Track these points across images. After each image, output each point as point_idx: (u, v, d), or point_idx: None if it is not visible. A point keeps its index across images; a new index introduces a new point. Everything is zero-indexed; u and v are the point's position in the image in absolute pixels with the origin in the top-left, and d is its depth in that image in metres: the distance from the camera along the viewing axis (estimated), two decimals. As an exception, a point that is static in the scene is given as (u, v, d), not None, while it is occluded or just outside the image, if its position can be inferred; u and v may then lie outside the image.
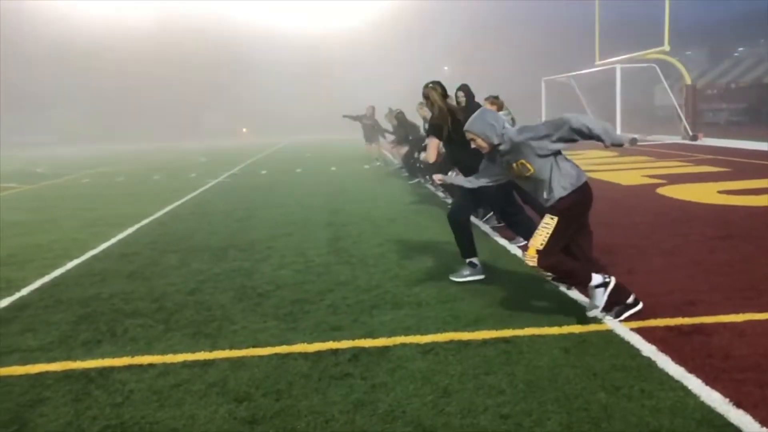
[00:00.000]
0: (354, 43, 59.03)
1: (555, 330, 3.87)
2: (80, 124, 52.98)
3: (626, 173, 12.32)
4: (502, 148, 3.94)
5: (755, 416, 2.74)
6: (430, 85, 5.12)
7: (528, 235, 4.53)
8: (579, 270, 3.93)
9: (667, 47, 21.33)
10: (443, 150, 5.49)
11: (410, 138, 12.74)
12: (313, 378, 3.38)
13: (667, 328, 3.83)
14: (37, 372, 3.65)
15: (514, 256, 5.87)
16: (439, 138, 5.08)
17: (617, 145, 3.80)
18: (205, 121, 56.02)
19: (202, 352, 3.84)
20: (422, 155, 10.85)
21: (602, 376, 3.20)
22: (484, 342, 3.75)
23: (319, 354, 3.71)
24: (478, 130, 3.97)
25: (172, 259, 6.48)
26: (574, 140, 3.78)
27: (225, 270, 5.89)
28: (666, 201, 8.74)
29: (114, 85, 54.61)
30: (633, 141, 20.66)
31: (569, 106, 29.81)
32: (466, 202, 5.07)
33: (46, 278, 5.88)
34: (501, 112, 6.40)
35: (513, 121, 6.32)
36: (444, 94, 5.09)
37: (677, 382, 3.10)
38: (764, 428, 2.65)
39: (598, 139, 3.74)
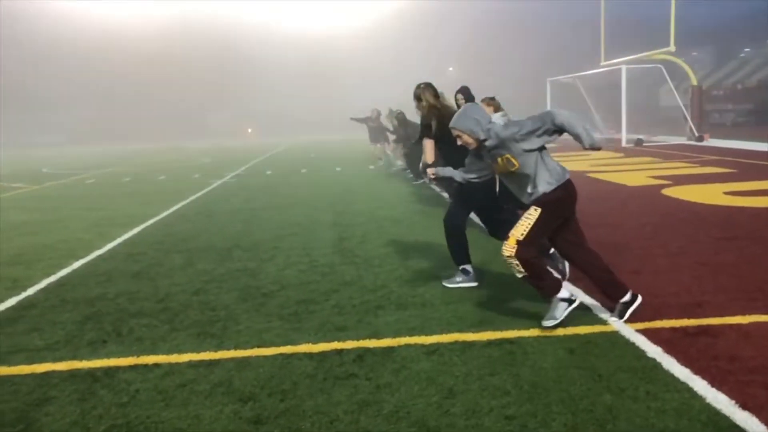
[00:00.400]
0: (359, 44, 59.09)
1: (560, 331, 3.86)
2: (87, 124, 53.19)
3: (632, 174, 12.29)
4: (488, 143, 3.89)
5: (761, 418, 2.72)
6: (422, 85, 5.21)
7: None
8: (551, 278, 3.90)
9: (672, 48, 21.26)
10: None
11: (413, 141, 12.76)
12: (317, 378, 3.39)
13: (673, 329, 3.82)
14: (43, 371, 3.67)
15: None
16: (431, 137, 5.09)
17: (595, 148, 3.75)
18: (211, 122, 56.17)
19: (207, 352, 3.85)
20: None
21: (607, 378, 3.20)
22: (489, 343, 3.74)
23: (323, 354, 3.72)
24: (464, 126, 3.93)
25: (177, 259, 6.50)
26: (559, 133, 3.78)
27: (230, 270, 5.90)
28: (672, 202, 8.72)
29: (121, 86, 54.83)
30: (639, 142, 20.60)
31: (575, 107, 29.76)
32: (459, 208, 5.04)
33: (52, 278, 5.91)
34: (498, 113, 6.37)
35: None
36: (435, 95, 5.14)
37: (683, 383, 3.09)
38: (770, 430, 2.64)
39: (577, 138, 3.73)
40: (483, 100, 7.52)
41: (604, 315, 4.08)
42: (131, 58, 54.38)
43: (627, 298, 4.01)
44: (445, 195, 10.14)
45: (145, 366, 3.67)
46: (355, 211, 9.32)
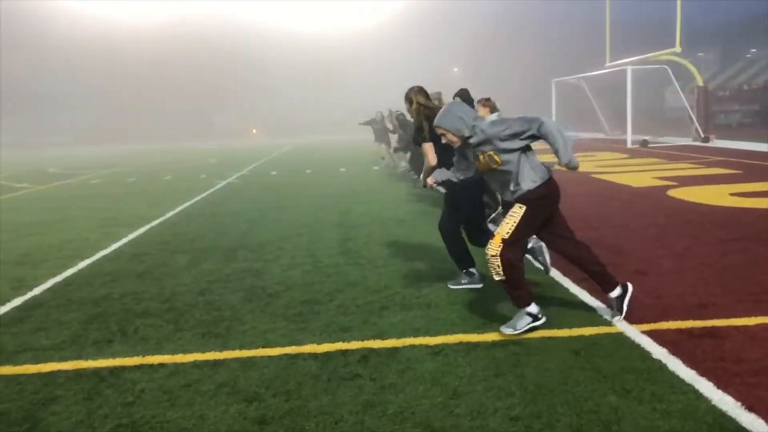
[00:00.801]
0: (364, 45, 59.15)
1: (565, 332, 3.85)
2: (93, 125, 53.40)
3: (637, 175, 12.25)
4: (472, 140, 3.84)
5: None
6: (415, 89, 5.22)
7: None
8: (527, 289, 3.86)
9: (678, 48, 21.20)
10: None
11: (408, 145, 12.82)
12: (322, 379, 3.39)
13: (678, 330, 3.80)
14: (50, 371, 3.68)
15: (524, 258, 5.84)
16: (427, 140, 5.08)
17: (570, 168, 3.72)
18: (217, 123, 56.31)
19: (212, 352, 3.86)
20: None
21: (612, 379, 3.19)
22: (494, 344, 3.74)
23: (328, 355, 3.72)
24: (448, 124, 3.88)
25: (182, 259, 6.51)
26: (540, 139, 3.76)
27: (235, 270, 5.91)
28: (677, 203, 8.69)
29: (127, 86, 55.02)
30: (644, 143, 20.55)
31: (580, 108, 29.73)
32: (451, 212, 5.02)
33: (58, 278, 5.93)
34: (493, 114, 6.37)
35: None
36: (426, 97, 5.17)
37: (688, 385, 3.08)
38: (777, 432, 2.63)
39: (555, 153, 3.70)
40: (479, 101, 7.53)
41: (609, 316, 4.07)
42: (137, 59, 54.57)
43: (618, 291, 4.02)
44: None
45: (151, 366, 3.68)
46: (359, 212, 9.32)
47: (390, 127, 15.91)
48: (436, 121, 3.98)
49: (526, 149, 3.83)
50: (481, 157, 3.84)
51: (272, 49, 57.01)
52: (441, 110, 4.04)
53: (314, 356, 3.70)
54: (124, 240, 7.77)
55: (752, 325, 3.83)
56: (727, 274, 4.98)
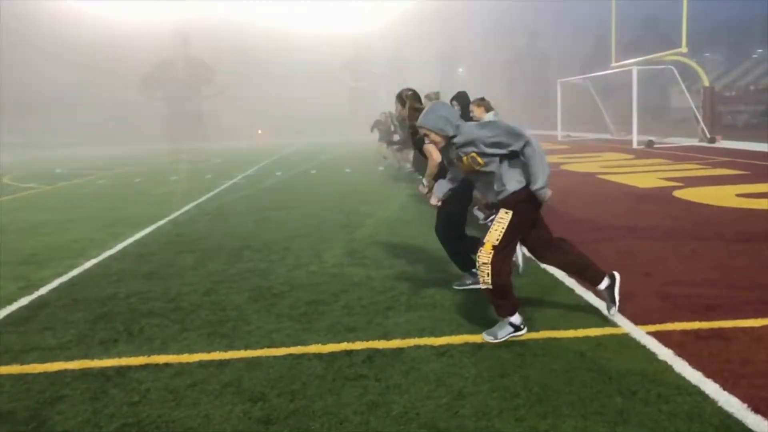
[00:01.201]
0: (369, 46, 59.15)
1: (570, 333, 3.85)
2: (100, 126, 53.57)
3: (643, 176, 12.22)
4: (456, 140, 3.79)
5: (774, 422, 2.71)
6: (410, 93, 5.23)
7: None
8: (512, 299, 3.82)
9: (684, 49, 21.13)
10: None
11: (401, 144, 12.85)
12: (327, 379, 3.39)
13: (684, 332, 3.79)
14: (56, 370, 3.70)
15: (529, 258, 5.83)
16: (425, 142, 5.08)
17: (540, 197, 3.67)
18: (223, 123, 56.39)
19: (218, 352, 3.87)
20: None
21: (618, 380, 3.18)
22: (499, 344, 3.74)
23: (333, 355, 3.72)
24: (431, 124, 3.83)
25: (188, 259, 6.53)
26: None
27: (240, 270, 5.92)
28: (683, 204, 8.66)
29: (134, 87, 55.18)
30: (650, 143, 20.50)
31: (585, 109, 29.68)
32: (447, 216, 4.99)
33: (65, 278, 5.95)
34: (489, 113, 6.36)
35: None
36: (419, 101, 5.17)
37: (694, 386, 3.07)
38: (783, 434, 2.62)
39: (529, 177, 3.67)
40: (473, 102, 7.53)
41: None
42: (144, 61, 54.70)
43: (607, 282, 4.00)
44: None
45: (156, 365, 3.69)
46: (364, 212, 9.33)
47: (392, 128, 15.93)
48: (419, 121, 3.93)
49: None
50: (464, 158, 3.80)
51: (278, 50, 57.07)
52: (424, 110, 3.99)
53: (319, 356, 3.71)
54: (130, 240, 7.80)
55: (759, 327, 3.81)
56: (734, 275, 4.96)
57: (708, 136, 20.85)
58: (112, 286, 5.57)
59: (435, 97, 8.21)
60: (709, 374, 3.18)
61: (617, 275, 4.05)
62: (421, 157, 5.18)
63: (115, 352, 3.93)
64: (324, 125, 50.98)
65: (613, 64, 25.54)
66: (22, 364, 3.83)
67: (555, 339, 3.77)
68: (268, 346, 3.91)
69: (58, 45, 53.40)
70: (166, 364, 3.70)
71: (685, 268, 5.25)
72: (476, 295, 4.76)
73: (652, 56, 23.40)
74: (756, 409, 2.81)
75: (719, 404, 2.88)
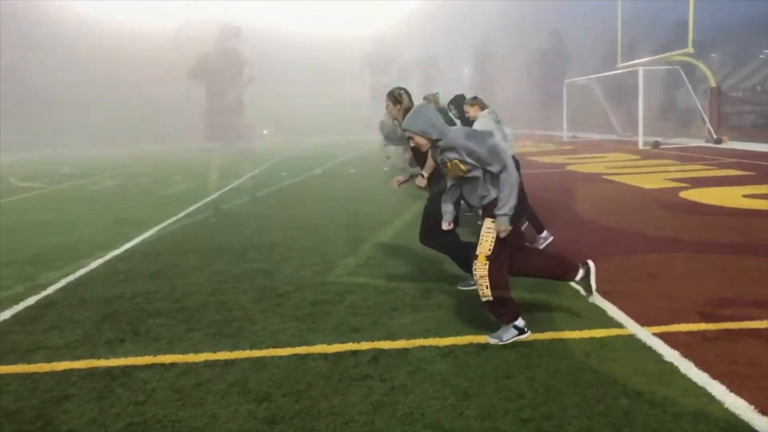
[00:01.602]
0: (375, 46, 59.16)
1: (576, 334, 3.84)
2: (107, 126, 53.75)
3: (649, 176, 12.18)
4: (441, 143, 3.79)
5: (781, 424, 2.69)
6: (405, 92, 5.24)
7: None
8: (512, 305, 3.81)
9: (691, 49, 21.05)
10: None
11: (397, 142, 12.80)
12: (332, 379, 3.40)
13: (690, 333, 3.78)
14: (62, 369, 3.72)
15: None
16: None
17: (499, 226, 3.64)
18: (229, 124, 56.46)
19: (223, 351, 3.88)
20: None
21: (623, 381, 3.17)
22: (504, 345, 3.73)
23: (338, 355, 3.73)
24: (416, 127, 3.82)
25: (193, 259, 6.55)
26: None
27: (245, 271, 5.93)
28: (689, 204, 8.63)
29: (139, 88, 55.38)
30: (656, 144, 20.43)
31: (591, 110, 29.59)
32: (439, 220, 4.97)
33: (71, 277, 5.98)
34: (485, 111, 6.33)
35: (498, 122, 6.21)
36: (411, 101, 5.18)
37: (701, 388, 3.06)
38: (790, 436, 2.61)
39: (498, 200, 3.66)
40: (466, 102, 7.52)
41: (620, 318, 4.05)
42: (150, 61, 54.87)
43: (581, 273, 3.97)
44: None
45: (162, 365, 3.70)
46: (369, 213, 9.33)
47: (397, 129, 15.94)
48: (404, 124, 3.92)
49: None
50: (448, 164, 3.80)
51: (283, 50, 57.17)
52: (409, 113, 3.98)
53: (324, 356, 3.71)
54: (137, 240, 7.82)
55: (765, 328, 3.80)
56: (740, 276, 4.94)
57: (714, 136, 20.76)
58: (118, 285, 5.60)
59: (433, 98, 8.22)
60: (715, 376, 3.17)
61: (591, 264, 4.01)
62: (418, 154, 5.15)
63: (122, 352, 3.95)
64: (328, 126, 50.98)
65: (619, 65, 25.47)
66: (28, 363, 3.85)
67: (560, 340, 3.77)
68: (274, 346, 3.92)
69: (64, 45, 53.59)
70: (172, 364, 3.71)
71: (692, 269, 5.23)
72: (481, 295, 4.75)
73: (658, 57, 23.31)
74: (763, 411, 2.80)
75: (726, 406, 2.87)
